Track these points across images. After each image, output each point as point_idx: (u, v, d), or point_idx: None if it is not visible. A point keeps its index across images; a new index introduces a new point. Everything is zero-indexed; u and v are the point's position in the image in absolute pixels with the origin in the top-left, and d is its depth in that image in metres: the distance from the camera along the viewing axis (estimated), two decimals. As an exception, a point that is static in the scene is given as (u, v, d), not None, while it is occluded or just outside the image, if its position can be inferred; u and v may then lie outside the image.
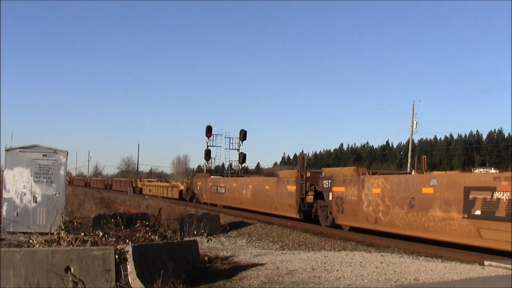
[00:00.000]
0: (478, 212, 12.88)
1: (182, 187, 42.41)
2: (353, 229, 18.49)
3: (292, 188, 22.83)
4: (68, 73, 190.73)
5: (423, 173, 17.12)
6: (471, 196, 13.10)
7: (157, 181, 55.38)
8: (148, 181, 56.72)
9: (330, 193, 19.58)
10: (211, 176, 38.08)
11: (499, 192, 12.32)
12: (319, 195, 20.96)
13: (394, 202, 15.95)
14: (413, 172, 17.87)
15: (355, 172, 18.39)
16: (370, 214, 17.15)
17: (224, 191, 32.43)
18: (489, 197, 12.54)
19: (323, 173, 21.61)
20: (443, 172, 18.03)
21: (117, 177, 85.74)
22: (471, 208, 13.05)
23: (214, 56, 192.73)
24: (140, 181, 58.59)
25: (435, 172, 17.73)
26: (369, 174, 18.05)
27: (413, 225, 15.17)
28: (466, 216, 13.20)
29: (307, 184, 21.67)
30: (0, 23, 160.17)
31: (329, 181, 19.80)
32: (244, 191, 29.09)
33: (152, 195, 47.70)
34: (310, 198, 21.76)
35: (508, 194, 12.10)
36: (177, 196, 41.79)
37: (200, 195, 36.93)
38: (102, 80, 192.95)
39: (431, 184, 14.52)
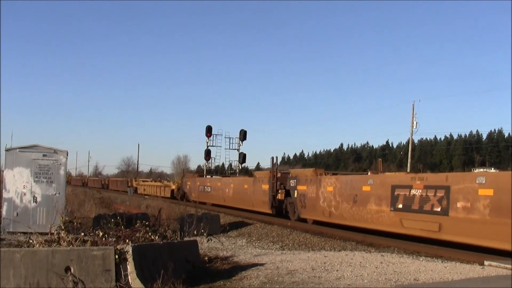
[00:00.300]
0: (400, 206, 15.94)
1: (173, 187, 44.66)
2: (315, 222, 21.01)
3: (266, 187, 25.62)
4: (68, 73, 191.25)
5: (377, 174, 19.85)
6: (395, 193, 16.18)
7: (151, 181, 57.36)
8: (143, 181, 59.03)
9: (296, 191, 22.30)
10: (199, 177, 41.30)
11: (415, 189, 15.43)
12: (288, 193, 23.68)
13: (343, 198, 18.81)
14: (369, 173, 20.60)
15: (314, 173, 21.21)
16: (325, 209, 19.90)
17: (210, 190, 35.03)
18: (408, 193, 15.66)
19: (290, 173, 24.24)
20: (381, 173, 21.06)
21: (114, 177, 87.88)
22: (395, 203, 16.13)
23: (214, 56, 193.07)
24: (136, 181, 61.00)
25: (375, 174, 20.41)
26: (325, 174, 20.91)
27: (356, 217, 18.03)
28: (392, 209, 16.26)
29: (278, 183, 24.39)
30: (0, 23, 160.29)
31: (295, 180, 22.54)
32: (227, 190, 31.60)
33: (146, 194, 49.99)
34: (281, 195, 24.68)
35: (420, 191, 15.14)
36: (169, 195, 43.60)
37: (189, 194, 38.69)
38: (102, 80, 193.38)
39: (368, 183, 17.49)
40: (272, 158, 24.76)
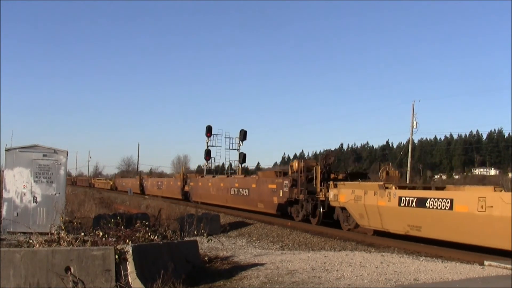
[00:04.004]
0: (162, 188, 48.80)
1: (111, 183, 74.04)
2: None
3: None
4: (68, 73, 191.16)
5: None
6: (159, 183, 51.24)
7: (104, 180, 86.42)
8: (98, 179, 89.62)
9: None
10: (122, 177, 76.25)
11: (168, 183, 49.87)
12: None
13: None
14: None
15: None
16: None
17: (124, 184, 63.28)
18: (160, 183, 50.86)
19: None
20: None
21: (80, 177, 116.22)
22: (160, 187, 49.87)
23: (214, 56, 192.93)
24: (93, 179, 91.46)
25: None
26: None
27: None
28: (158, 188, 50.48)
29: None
30: (0, 23, 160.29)
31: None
32: (143, 185, 57.36)
33: (98, 187, 75.86)
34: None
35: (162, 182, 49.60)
36: (109, 187, 71.03)
37: (118, 187, 67.63)
38: (102, 80, 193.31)
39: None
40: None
